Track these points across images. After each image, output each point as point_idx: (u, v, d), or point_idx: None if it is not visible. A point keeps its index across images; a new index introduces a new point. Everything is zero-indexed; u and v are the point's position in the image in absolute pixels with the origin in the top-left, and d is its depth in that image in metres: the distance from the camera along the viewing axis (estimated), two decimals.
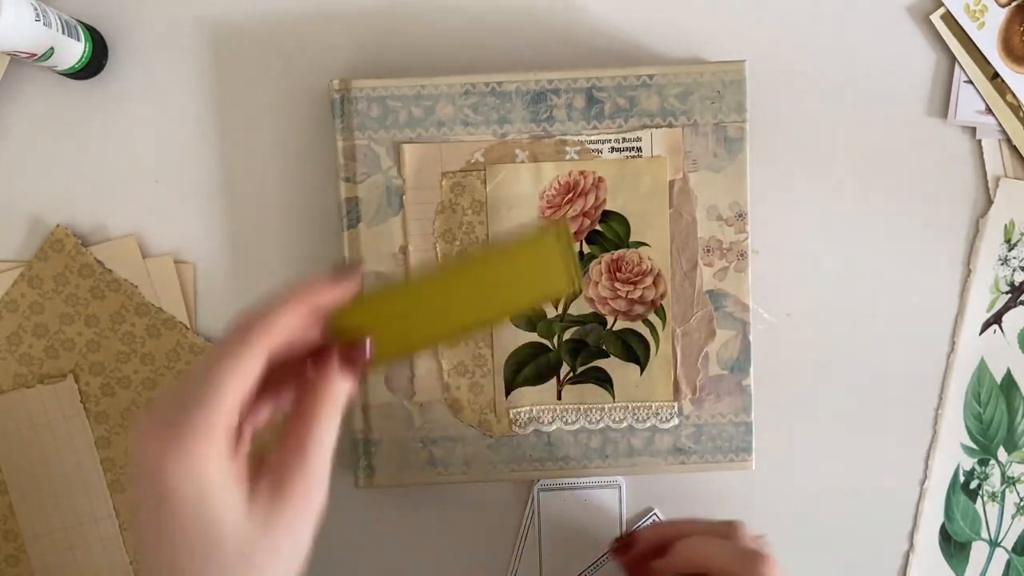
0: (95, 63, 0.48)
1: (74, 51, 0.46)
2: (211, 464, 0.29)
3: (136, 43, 0.49)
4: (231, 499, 0.30)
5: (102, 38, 0.49)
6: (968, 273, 0.51)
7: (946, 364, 0.52)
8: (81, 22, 0.47)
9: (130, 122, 0.50)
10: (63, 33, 0.45)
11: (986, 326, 0.52)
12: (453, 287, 0.40)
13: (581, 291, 0.47)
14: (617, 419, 0.49)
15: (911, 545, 0.53)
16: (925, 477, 0.52)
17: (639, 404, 0.49)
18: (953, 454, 0.52)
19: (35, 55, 0.44)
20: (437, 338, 0.43)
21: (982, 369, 0.52)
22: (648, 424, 0.49)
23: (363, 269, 0.44)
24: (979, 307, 0.51)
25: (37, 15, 0.42)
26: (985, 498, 0.52)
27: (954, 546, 0.53)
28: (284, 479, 0.31)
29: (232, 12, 0.50)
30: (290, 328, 0.33)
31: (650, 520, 0.52)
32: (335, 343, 0.34)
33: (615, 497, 0.52)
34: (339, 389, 0.34)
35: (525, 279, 0.40)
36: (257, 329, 0.31)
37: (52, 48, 0.44)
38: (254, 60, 0.50)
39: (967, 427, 0.52)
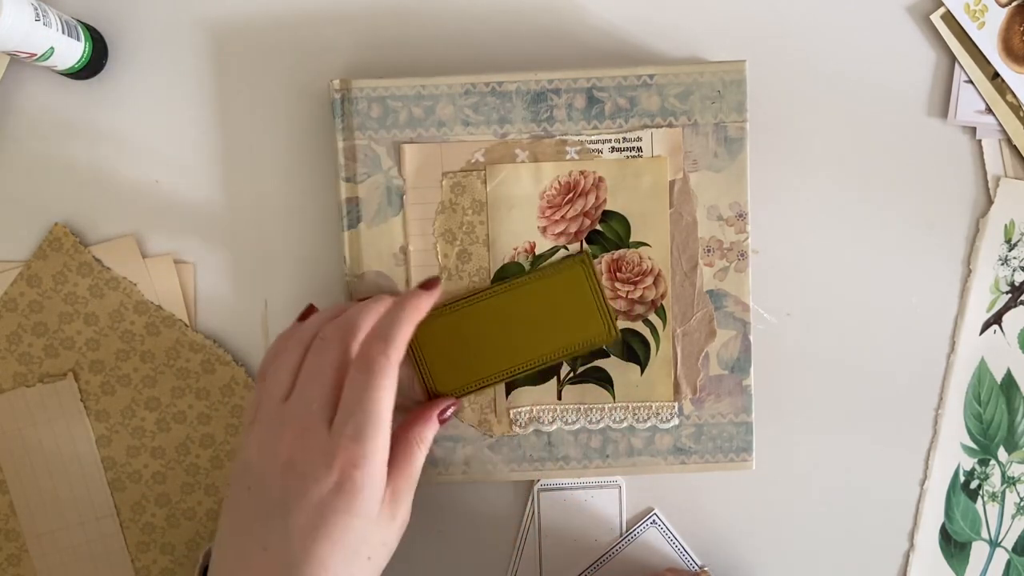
0: (95, 63, 0.48)
1: (74, 51, 0.46)
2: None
3: (136, 43, 0.49)
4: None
5: (102, 38, 0.49)
6: (968, 273, 0.51)
7: (946, 364, 0.52)
8: (81, 22, 0.47)
9: (130, 122, 0.50)
10: (63, 33, 0.45)
11: (986, 326, 0.52)
12: (503, 327, 0.47)
13: (619, 337, 0.48)
14: (617, 419, 0.49)
15: (911, 545, 0.53)
16: (925, 477, 0.52)
17: (639, 404, 0.49)
18: (953, 454, 0.52)
19: (35, 55, 0.44)
20: (491, 379, 0.48)
21: (982, 369, 0.52)
22: (648, 424, 0.49)
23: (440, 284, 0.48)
24: (979, 307, 0.51)
25: (37, 15, 0.42)
26: (985, 498, 0.52)
27: (954, 546, 0.53)
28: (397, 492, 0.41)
29: (232, 12, 0.50)
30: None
31: (650, 520, 0.52)
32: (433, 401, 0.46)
33: (615, 497, 0.52)
34: (430, 433, 0.44)
35: (567, 322, 0.47)
36: (394, 357, 0.40)
37: (52, 48, 0.44)
38: (254, 60, 0.50)
39: (967, 427, 0.52)
